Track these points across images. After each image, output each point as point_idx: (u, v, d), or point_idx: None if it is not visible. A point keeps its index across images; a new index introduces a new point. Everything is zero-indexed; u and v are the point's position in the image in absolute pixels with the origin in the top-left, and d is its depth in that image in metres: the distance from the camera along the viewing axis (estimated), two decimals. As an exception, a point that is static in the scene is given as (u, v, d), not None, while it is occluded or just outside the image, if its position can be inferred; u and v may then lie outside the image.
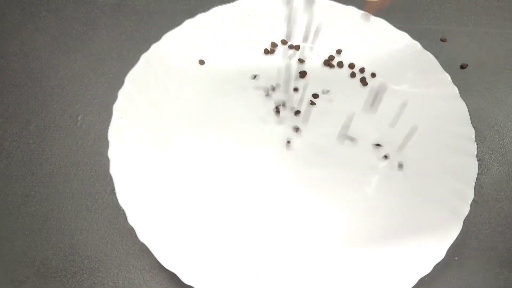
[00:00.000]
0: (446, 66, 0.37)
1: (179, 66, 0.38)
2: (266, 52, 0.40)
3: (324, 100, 0.38)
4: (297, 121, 0.37)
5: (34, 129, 0.37)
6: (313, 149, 0.36)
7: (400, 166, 0.35)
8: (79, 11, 0.44)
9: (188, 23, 0.39)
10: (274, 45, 0.40)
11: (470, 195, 0.31)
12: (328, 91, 0.38)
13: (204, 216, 0.32)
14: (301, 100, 0.38)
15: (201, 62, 0.39)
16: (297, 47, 0.40)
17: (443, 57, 0.40)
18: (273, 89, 0.38)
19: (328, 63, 0.40)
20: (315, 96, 0.38)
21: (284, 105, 0.38)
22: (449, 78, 0.36)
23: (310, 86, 0.39)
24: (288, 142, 0.35)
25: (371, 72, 0.40)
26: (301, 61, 0.40)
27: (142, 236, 0.29)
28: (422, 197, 0.33)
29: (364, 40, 0.40)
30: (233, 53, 0.40)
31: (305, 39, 0.41)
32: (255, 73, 0.39)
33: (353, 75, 0.39)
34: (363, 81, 0.39)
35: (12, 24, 0.43)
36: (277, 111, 0.37)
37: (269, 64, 0.40)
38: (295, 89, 0.39)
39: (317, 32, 0.41)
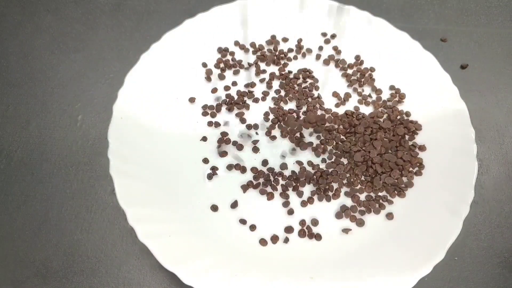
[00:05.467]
0: (446, 66, 0.37)
1: (179, 66, 0.38)
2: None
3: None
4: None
5: (34, 129, 0.37)
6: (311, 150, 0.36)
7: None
8: (79, 11, 0.44)
9: (188, 23, 0.39)
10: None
11: (470, 195, 0.31)
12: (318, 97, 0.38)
13: (204, 216, 0.32)
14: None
15: (204, 65, 0.39)
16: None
17: (443, 57, 0.40)
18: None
19: (327, 62, 0.40)
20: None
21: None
22: (449, 78, 0.36)
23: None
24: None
25: (370, 73, 0.40)
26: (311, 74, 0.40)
27: (142, 236, 0.29)
28: (422, 197, 0.33)
29: (364, 40, 0.40)
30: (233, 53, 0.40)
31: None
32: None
33: (354, 73, 0.40)
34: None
35: (12, 24, 0.43)
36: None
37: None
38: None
39: (317, 33, 0.41)
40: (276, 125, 0.37)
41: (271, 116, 0.37)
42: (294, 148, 0.36)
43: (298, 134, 0.36)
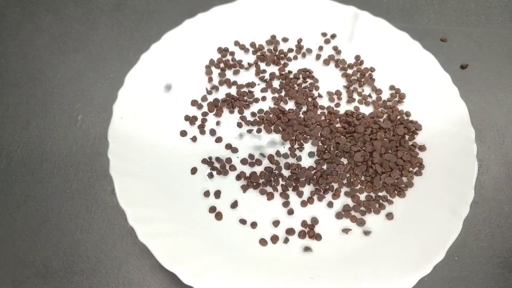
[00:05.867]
0: (446, 66, 0.37)
1: (179, 66, 0.38)
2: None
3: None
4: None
5: (34, 129, 0.37)
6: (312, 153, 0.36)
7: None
8: (79, 11, 0.44)
9: (188, 23, 0.39)
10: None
11: (470, 195, 0.31)
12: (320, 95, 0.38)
13: (204, 216, 0.32)
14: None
15: (207, 66, 0.39)
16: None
17: (443, 57, 0.40)
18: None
19: (327, 62, 0.40)
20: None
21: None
22: (449, 78, 0.36)
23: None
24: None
25: (370, 73, 0.40)
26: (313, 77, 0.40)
27: (142, 236, 0.29)
28: (422, 197, 0.33)
29: (364, 40, 0.40)
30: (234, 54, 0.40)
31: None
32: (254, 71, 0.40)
33: (354, 73, 0.40)
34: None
35: (12, 24, 0.43)
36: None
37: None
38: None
39: (317, 33, 0.41)
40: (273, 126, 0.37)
41: (271, 116, 0.37)
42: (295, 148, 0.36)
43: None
